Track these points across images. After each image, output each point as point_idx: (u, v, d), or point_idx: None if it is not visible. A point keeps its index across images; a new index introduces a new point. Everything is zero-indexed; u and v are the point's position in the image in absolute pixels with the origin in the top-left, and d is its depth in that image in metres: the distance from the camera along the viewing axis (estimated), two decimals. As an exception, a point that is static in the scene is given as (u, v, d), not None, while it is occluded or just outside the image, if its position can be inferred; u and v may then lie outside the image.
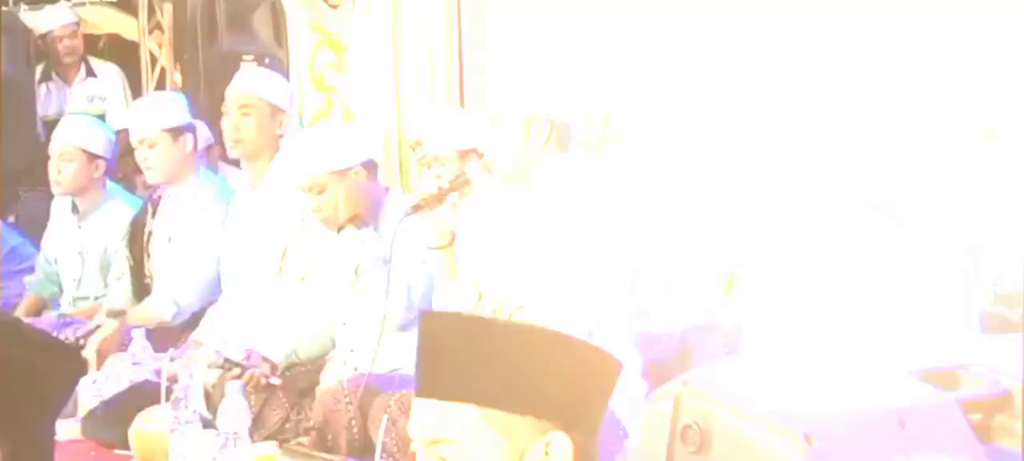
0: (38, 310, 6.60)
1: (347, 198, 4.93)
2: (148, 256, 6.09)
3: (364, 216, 4.96)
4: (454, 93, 7.96)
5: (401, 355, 4.68)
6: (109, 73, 9.18)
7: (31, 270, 6.79)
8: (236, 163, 5.83)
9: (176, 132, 5.88)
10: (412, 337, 4.68)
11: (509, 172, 4.49)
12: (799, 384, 2.30)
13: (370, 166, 5.02)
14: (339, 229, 5.00)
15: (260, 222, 5.43)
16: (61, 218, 6.51)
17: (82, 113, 7.86)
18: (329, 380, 4.90)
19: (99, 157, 6.30)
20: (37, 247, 6.82)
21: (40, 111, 8.85)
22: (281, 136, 5.48)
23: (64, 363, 2.33)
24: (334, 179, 4.91)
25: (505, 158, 4.45)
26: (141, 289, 6.12)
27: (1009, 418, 2.19)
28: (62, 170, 6.29)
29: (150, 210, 6.13)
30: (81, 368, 2.40)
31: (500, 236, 4.58)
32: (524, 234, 4.51)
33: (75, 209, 6.41)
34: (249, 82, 5.56)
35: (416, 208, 4.45)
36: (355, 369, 4.83)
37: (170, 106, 6.03)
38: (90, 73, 9.09)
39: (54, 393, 2.29)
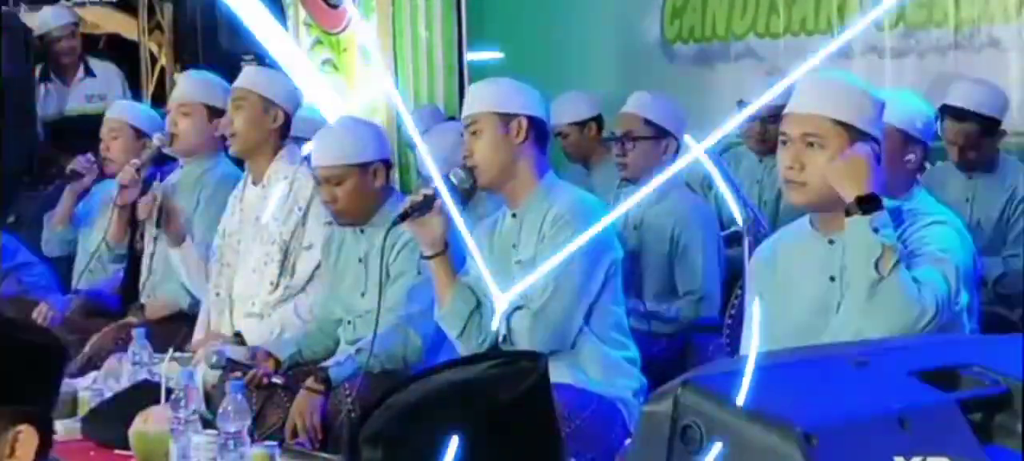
0: None
1: (363, 194, 4.93)
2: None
3: (374, 214, 4.96)
4: (454, 94, 7.98)
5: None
6: (108, 73, 9.19)
7: (24, 265, 6.80)
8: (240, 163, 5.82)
9: (213, 111, 5.90)
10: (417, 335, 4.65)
11: (492, 174, 4.48)
12: (799, 384, 2.30)
13: (388, 165, 5.02)
14: (350, 226, 5.00)
15: (262, 218, 5.41)
16: (103, 201, 6.56)
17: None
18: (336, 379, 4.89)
19: (146, 135, 6.32)
20: (37, 248, 6.83)
21: (38, 111, 8.86)
22: (276, 129, 5.45)
23: (48, 344, 2.53)
24: (353, 173, 4.91)
25: (486, 160, 4.45)
26: (115, 260, 6.17)
27: (1009, 418, 2.20)
28: (111, 147, 6.38)
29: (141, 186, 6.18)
30: (63, 349, 2.60)
31: (490, 240, 4.57)
32: (512, 236, 4.51)
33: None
34: (243, 78, 5.58)
35: (403, 217, 4.45)
36: (358, 367, 4.84)
37: (217, 87, 6.03)
38: (89, 73, 9.09)
39: (48, 373, 2.49)
